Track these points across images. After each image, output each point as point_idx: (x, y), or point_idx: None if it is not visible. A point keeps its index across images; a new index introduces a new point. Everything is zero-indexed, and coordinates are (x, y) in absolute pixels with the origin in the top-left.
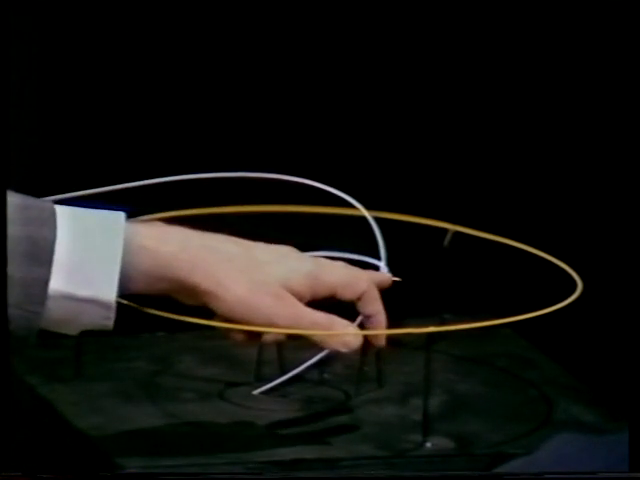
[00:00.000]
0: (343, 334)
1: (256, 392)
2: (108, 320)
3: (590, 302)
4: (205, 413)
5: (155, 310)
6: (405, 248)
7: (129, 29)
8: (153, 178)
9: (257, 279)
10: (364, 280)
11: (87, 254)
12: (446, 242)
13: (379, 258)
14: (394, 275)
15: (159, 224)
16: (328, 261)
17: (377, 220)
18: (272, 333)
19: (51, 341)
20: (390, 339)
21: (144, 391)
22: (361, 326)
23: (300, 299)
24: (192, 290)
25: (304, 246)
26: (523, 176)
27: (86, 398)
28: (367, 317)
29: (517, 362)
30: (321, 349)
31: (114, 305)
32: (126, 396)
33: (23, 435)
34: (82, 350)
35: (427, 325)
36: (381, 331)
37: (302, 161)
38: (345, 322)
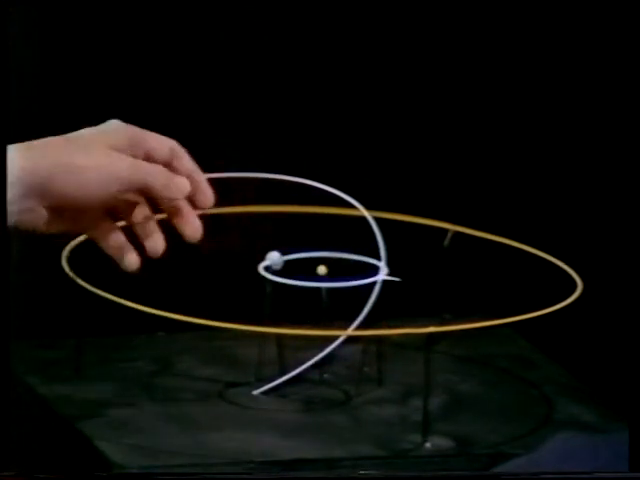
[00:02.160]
0: (177, 181)
1: (256, 392)
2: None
3: (590, 302)
4: (205, 413)
5: (155, 310)
6: (405, 248)
7: (129, 29)
8: None
9: (88, 151)
10: (172, 144)
11: None
12: (446, 242)
13: (379, 258)
14: (394, 275)
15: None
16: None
17: (377, 220)
18: None
19: (51, 341)
20: (390, 339)
21: (144, 391)
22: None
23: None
24: (43, 190)
25: (304, 246)
26: (523, 176)
27: (86, 398)
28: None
29: (517, 362)
30: (321, 349)
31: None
32: (126, 396)
33: (23, 435)
34: (82, 350)
35: (427, 325)
36: (381, 331)
37: (302, 161)
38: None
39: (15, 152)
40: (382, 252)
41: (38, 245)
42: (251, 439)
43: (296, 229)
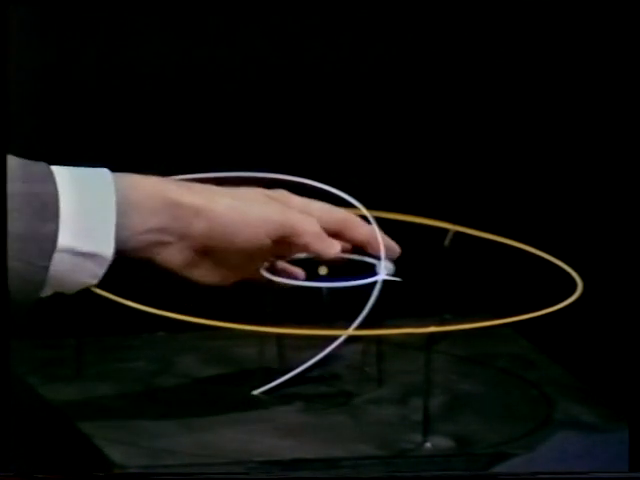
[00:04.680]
0: (330, 239)
1: (256, 392)
2: (96, 278)
3: (590, 302)
4: (205, 413)
5: (155, 310)
6: (405, 248)
7: (130, 29)
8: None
9: (241, 196)
10: (339, 210)
11: (87, 208)
12: (446, 242)
13: (379, 258)
14: (394, 275)
15: (143, 176)
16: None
17: (377, 220)
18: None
19: (51, 341)
20: (390, 339)
21: (144, 391)
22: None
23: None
24: (183, 209)
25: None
26: (523, 176)
27: (86, 398)
28: (364, 244)
29: (517, 362)
30: (321, 349)
31: (109, 260)
32: (126, 396)
33: (22, 435)
34: (82, 350)
35: (427, 325)
36: (381, 331)
37: (302, 161)
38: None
39: (163, 184)
40: (382, 252)
41: None
42: (251, 439)
43: None
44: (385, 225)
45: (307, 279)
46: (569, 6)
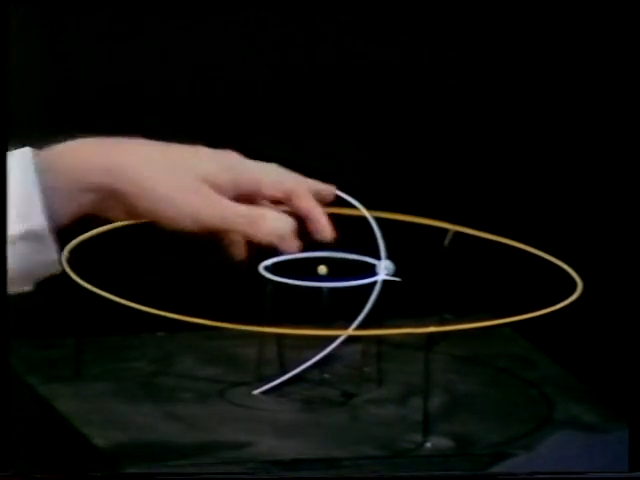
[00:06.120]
0: (270, 222)
1: (256, 392)
2: (48, 254)
3: (590, 302)
4: (205, 413)
5: (155, 310)
6: (405, 248)
7: (130, 29)
8: None
9: (179, 177)
10: (292, 178)
11: (8, 193)
12: (446, 242)
13: (379, 258)
14: (395, 275)
15: (73, 142)
16: (252, 161)
17: (377, 220)
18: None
19: (51, 341)
20: (390, 339)
21: (144, 391)
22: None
23: (223, 194)
24: (116, 196)
25: (304, 246)
26: (523, 176)
27: (86, 398)
28: (304, 218)
29: (517, 362)
30: (321, 349)
31: (47, 233)
32: (126, 396)
33: (22, 435)
34: (82, 350)
35: (427, 325)
36: (381, 331)
37: (302, 161)
38: (272, 212)
39: (92, 145)
40: (382, 252)
41: None
42: (251, 439)
43: (296, 228)
44: (385, 225)
45: (307, 279)
46: (569, 6)
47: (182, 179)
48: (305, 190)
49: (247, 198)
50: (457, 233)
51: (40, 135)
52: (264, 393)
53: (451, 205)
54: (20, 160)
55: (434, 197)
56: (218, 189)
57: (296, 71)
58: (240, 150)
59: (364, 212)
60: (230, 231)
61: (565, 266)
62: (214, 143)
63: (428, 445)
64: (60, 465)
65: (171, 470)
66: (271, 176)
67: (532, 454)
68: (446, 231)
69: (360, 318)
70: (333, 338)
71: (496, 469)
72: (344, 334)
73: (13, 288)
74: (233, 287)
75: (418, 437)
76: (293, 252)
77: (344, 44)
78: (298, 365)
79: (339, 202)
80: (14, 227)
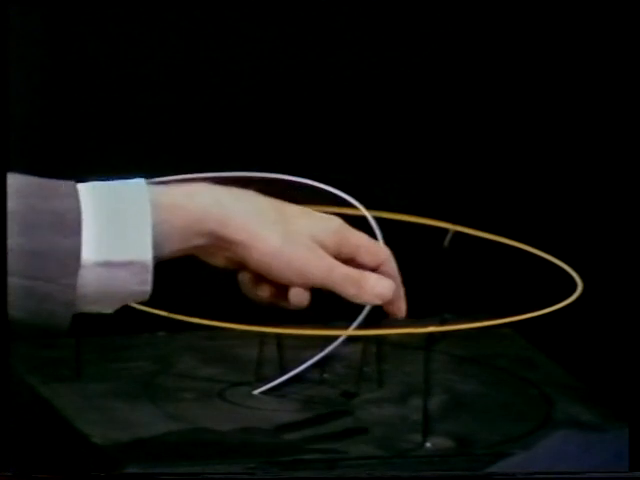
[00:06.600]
0: (374, 287)
1: (256, 392)
2: (145, 285)
3: (590, 302)
4: (205, 413)
5: (155, 310)
6: (405, 248)
7: (129, 29)
8: (153, 177)
9: (289, 231)
10: (385, 250)
11: (116, 219)
12: (446, 242)
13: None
14: None
15: (186, 183)
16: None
17: (377, 220)
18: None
19: (51, 341)
20: (390, 339)
21: (144, 391)
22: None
23: (329, 254)
24: (226, 243)
25: None
26: (523, 176)
27: (86, 398)
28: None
29: (517, 362)
30: (321, 349)
31: (151, 266)
32: (126, 396)
33: (22, 435)
34: (82, 350)
35: (427, 325)
36: (381, 331)
37: (302, 161)
38: (375, 275)
39: (208, 191)
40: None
41: None
42: (251, 439)
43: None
44: (385, 225)
45: None
46: (569, 6)
47: (293, 234)
48: (394, 265)
49: (345, 262)
50: (457, 233)
51: (40, 137)
52: (264, 393)
53: (451, 205)
54: (135, 190)
55: (434, 197)
56: (325, 249)
57: (296, 71)
58: (239, 149)
59: (364, 212)
60: (332, 290)
61: (565, 266)
62: (213, 142)
63: (428, 445)
64: (60, 465)
65: (171, 470)
66: (370, 244)
67: (531, 454)
68: (446, 231)
69: (360, 318)
70: (333, 338)
71: (495, 468)
72: (344, 334)
73: (96, 308)
74: (233, 287)
75: (418, 437)
76: (402, 316)
77: (344, 44)
78: (298, 365)
79: (339, 202)
80: (118, 253)
